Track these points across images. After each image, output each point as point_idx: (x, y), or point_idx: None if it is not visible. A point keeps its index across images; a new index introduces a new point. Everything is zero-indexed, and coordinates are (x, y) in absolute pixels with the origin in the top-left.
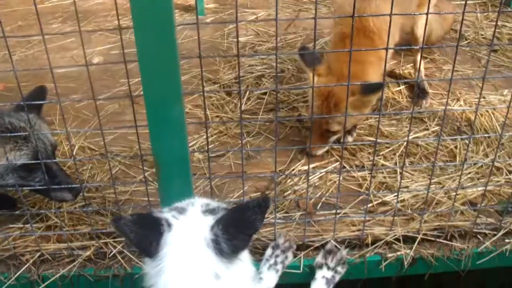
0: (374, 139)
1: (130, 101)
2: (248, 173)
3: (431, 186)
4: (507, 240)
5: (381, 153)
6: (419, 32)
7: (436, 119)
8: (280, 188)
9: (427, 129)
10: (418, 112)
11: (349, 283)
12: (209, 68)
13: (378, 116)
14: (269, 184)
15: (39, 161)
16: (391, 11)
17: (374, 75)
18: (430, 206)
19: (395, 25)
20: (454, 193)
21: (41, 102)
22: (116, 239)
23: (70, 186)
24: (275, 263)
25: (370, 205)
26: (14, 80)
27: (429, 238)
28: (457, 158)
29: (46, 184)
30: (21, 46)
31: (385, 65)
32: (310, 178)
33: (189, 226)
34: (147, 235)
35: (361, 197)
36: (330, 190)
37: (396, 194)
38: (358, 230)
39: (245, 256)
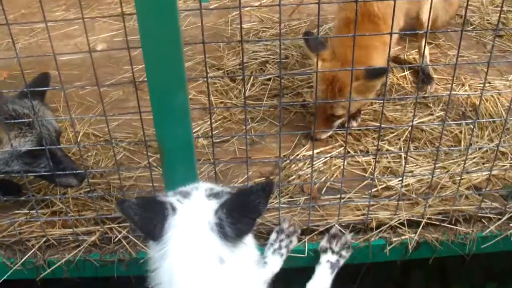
0: (379, 124)
1: (134, 87)
2: (253, 159)
3: (436, 170)
4: (511, 224)
5: (385, 138)
6: (425, 17)
7: (441, 104)
8: (284, 173)
9: (432, 114)
10: (423, 97)
11: (354, 267)
12: (213, 54)
13: (382, 101)
14: (273, 169)
15: (43, 147)
16: None
17: (378, 60)
18: (434, 191)
19: (400, 9)
20: (459, 178)
21: (45, 88)
22: (121, 224)
23: (75, 172)
24: (280, 248)
25: (374, 189)
26: (17, 67)
27: (434, 222)
28: (462, 143)
29: (51, 170)
30: (25, 34)
31: (389, 50)
32: (314, 163)
33: (194, 210)
34: (151, 218)
35: (365, 182)
36: (335, 175)
37: (400, 178)
38: (363, 214)
39: (249, 240)
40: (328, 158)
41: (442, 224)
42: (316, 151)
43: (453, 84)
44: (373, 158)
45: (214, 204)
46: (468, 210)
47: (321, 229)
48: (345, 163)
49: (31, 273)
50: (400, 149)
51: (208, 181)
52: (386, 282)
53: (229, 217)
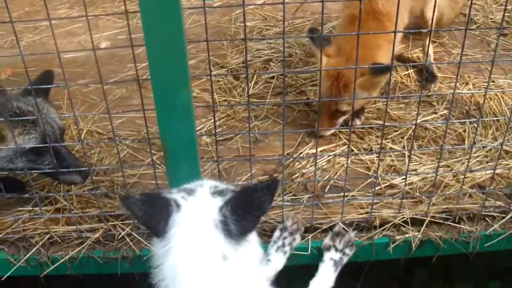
0: (382, 123)
1: (138, 85)
2: (256, 157)
3: (440, 169)
4: None
5: (389, 137)
6: (429, 14)
7: (445, 103)
8: (288, 171)
9: (436, 113)
10: (427, 95)
11: (357, 265)
12: (217, 52)
13: (386, 99)
14: (277, 167)
15: (47, 145)
16: None
17: (383, 58)
18: (438, 189)
19: (404, 7)
20: (463, 176)
21: (49, 86)
22: (124, 222)
23: (79, 169)
24: (283, 245)
25: (378, 188)
26: (21, 65)
27: (437, 220)
28: (466, 141)
29: (55, 167)
30: (29, 32)
31: (393, 49)
32: (318, 161)
33: (198, 207)
34: (155, 214)
35: (369, 180)
36: (338, 173)
37: (404, 177)
38: (366, 212)
39: (253, 238)
40: (332, 156)
41: (446, 222)
42: (319, 149)
43: (457, 83)
44: (376, 157)
45: (219, 201)
46: (471, 208)
47: (325, 227)
48: (349, 161)
49: (35, 270)
50: (403, 147)
51: (212, 179)
52: (389, 280)
53: (234, 215)
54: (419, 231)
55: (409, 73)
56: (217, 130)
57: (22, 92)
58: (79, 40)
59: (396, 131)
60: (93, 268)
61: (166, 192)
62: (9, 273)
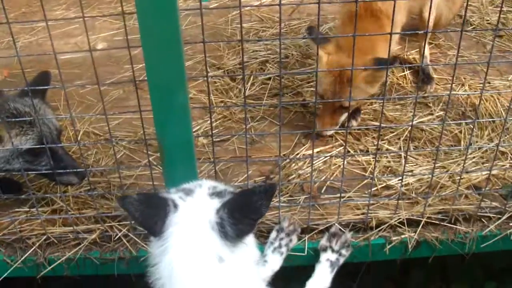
0: (379, 124)
1: (134, 86)
2: (253, 158)
3: (436, 170)
4: (511, 224)
5: (385, 138)
6: (427, 14)
7: (441, 104)
8: (284, 172)
9: (432, 114)
10: (423, 97)
11: (354, 266)
12: (213, 53)
13: (382, 100)
14: (273, 168)
15: (44, 146)
16: None
17: (384, 52)
18: (434, 190)
19: (403, 5)
20: (459, 177)
21: (46, 87)
22: (121, 223)
23: (75, 170)
24: (280, 246)
25: (374, 189)
26: (18, 66)
27: (434, 221)
28: (462, 142)
29: (51, 168)
30: (25, 33)
31: (389, 48)
32: (314, 162)
33: (195, 208)
34: (152, 214)
35: (365, 181)
36: (335, 174)
37: (400, 178)
38: (363, 213)
39: (250, 240)
40: (328, 157)
41: (442, 223)
42: (316, 150)
43: (453, 84)
44: (373, 158)
45: (216, 203)
46: (467, 209)
47: (321, 228)
48: (345, 162)
49: (32, 271)
50: (400, 148)
51: (210, 179)
52: (385, 281)
53: (231, 217)
54: (415, 232)
55: (405, 75)
56: (213, 131)
57: (19, 93)
58: (76, 41)
59: (392, 132)
60: (89, 269)
61: (164, 192)
62: (5, 274)
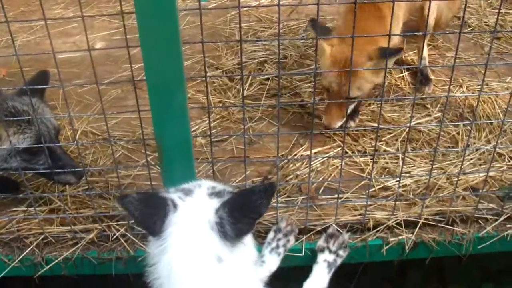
0: (377, 125)
1: (133, 86)
2: (251, 158)
3: (433, 171)
4: (508, 225)
5: (383, 139)
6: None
7: (439, 106)
8: (282, 173)
9: (430, 115)
10: (421, 98)
11: (351, 267)
12: (212, 54)
13: (380, 102)
14: (271, 168)
15: (42, 145)
16: None
17: (387, 41)
18: (431, 191)
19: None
20: (456, 179)
21: (44, 86)
22: (119, 222)
23: (73, 169)
24: (277, 247)
25: (372, 190)
26: (16, 65)
27: (431, 222)
28: (459, 144)
29: (49, 167)
30: (24, 32)
31: (388, 42)
32: (312, 163)
33: (195, 208)
34: (152, 214)
35: (363, 182)
36: (332, 175)
37: (398, 179)
38: (360, 214)
39: (248, 240)
40: (326, 158)
41: (439, 224)
42: (314, 151)
43: (451, 86)
44: (370, 159)
45: (216, 203)
46: (465, 210)
47: (319, 228)
48: (343, 163)
49: (29, 270)
50: (397, 149)
51: (209, 179)
52: (383, 282)
53: (230, 217)
54: (412, 233)
55: (403, 76)
56: (212, 131)
57: (17, 92)
58: (74, 40)
59: (390, 133)
60: (87, 268)
61: (163, 192)
62: (3, 273)
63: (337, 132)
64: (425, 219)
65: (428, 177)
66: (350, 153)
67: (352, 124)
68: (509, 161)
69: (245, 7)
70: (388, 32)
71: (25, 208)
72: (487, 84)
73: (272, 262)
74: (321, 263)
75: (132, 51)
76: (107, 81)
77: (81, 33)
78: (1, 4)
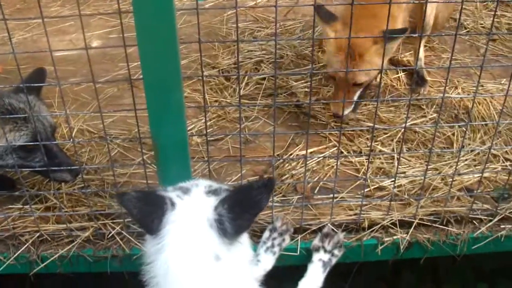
0: (372, 125)
1: (129, 84)
2: (246, 157)
3: (428, 172)
4: (502, 226)
5: (378, 139)
6: (428, 10)
7: (434, 107)
8: (278, 172)
9: (425, 116)
10: (416, 99)
11: (346, 266)
12: (208, 53)
13: (376, 102)
14: (267, 168)
15: (38, 143)
16: None
17: (391, 26)
18: (426, 192)
19: None
20: (451, 179)
21: (41, 84)
22: (114, 220)
23: (70, 167)
24: (272, 246)
25: (367, 190)
26: (12, 62)
27: (425, 223)
28: (454, 145)
29: (45, 165)
30: (20, 29)
31: (383, 55)
32: (307, 162)
33: (193, 206)
34: (150, 212)
35: (358, 182)
36: (328, 175)
37: (393, 179)
38: (355, 214)
39: (245, 239)
40: (322, 158)
41: (434, 224)
42: (309, 150)
43: (447, 87)
44: (366, 159)
45: (213, 200)
46: (459, 211)
47: (314, 228)
48: (338, 163)
49: (24, 268)
50: (393, 150)
51: (205, 178)
52: (377, 282)
53: (231, 213)
54: (407, 233)
55: (399, 77)
56: (208, 130)
57: (14, 89)
58: (70, 38)
59: (386, 133)
60: (82, 266)
61: (161, 190)
62: None
63: (332, 132)
64: (420, 219)
65: (423, 177)
66: (345, 153)
67: (352, 116)
68: (504, 162)
69: (242, 7)
70: (392, 15)
71: (21, 206)
72: (482, 86)
73: (267, 261)
74: (316, 262)
75: (128, 50)
76: (103, 80)
77: (78, 31)
78: None
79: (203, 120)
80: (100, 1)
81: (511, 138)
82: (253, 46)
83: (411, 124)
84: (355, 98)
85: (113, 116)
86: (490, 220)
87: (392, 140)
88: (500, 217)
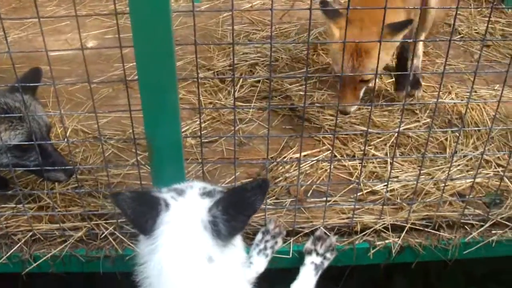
0: (366, 129)
1: (125, 85)
2: (240, 160)
3: (421, 176)
4: (493, 231)
5: (372, 143)
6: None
7: (428, 111)
8: (271, 175)
9: (418, 121)
10: (410, 104)
11: (338, 269)
12: (203, 55)
13: (370, 106)
14: (260, 170)
15: (33, 142)
16: None
17: (395, 18)
18: (419, 196)
19: None
20: (443, 184)
21: (36, 84)
22: (108, 221)
23: (64, 167)
24: (265, 248)
25: (360, 193)
26: (7, 61)
27: (417, 227)
28: (447, 150)
29: (40, 164)
30: (15, 28)
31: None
32: (301, 165)
33: (187, 208)
34: (144, 212)
35: (351, 186)
36: (321, 178)
37: (386, 183)
38: (348, 217)
39: (238, 241)
40: (315, 161)
41: (426, 229)
42: (303, 154)
43: (440, 92)
44: (359, 163)
45: (207, 202)
46: (451, 216)
47: (306, 231)
48: (332, 166)
49: (17, 267)
50: (386, 154)
51: (198, 180)
52: (369, 285)
53: (225, 214)
54: (399, 237)
55: (393, 81)
56: (202, 132)
57: (9, 88)
58: (66, 38)
59: (379, 138)
60: (75, 266)
61: (156, 191)
62: None
63: (326, 135)
64: (412, 223)
65: (415, 182)
66: (339, 156)
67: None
68: (496, 168)
69: (237, 9)
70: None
71: (14, 205)
72: (476, 92)
73: (260, 263)
74: (308, 265)
75: (124, 51)
76: (98, 80)
77: (73, 31)
78: None
79: (198, 122)
80: (96, 1)
81: (503, 144)
82: (248, 48)
83: (405, 129)
84: (362, 93)
85: (107, 116)
86: (482, 226)
87: (386, 145)
88: (491, 222)
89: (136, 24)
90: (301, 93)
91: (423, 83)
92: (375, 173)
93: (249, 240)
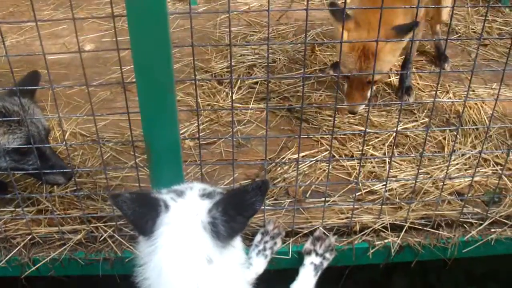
0: (364, 129)
1: (122, 88)
2: (239, 161)
3: (419, 176)
4: (492, 230)
5: (370, 143)
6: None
7: (426, 111)
8: (270, 176)
9: (416, 120)
10: (408, 103)
11: (337, 270)
12: (201, 57)
13: (368, 106)
14: (259, 171)
15: (31, 146)
16: None
17: (402, 20)
18: (417, 196)
19: None
20: (442, 183)
21: (34, 87)
22: (107, 223)
23: (63, 170)
24: (264, 249)
25: (358, 193)
26: (5, 65)
27: (416, 226)
28: (445, 149)
29: (39, 168)
30: (13, 32)
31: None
32: (299, 166)
33: (187, 209)
34: (144, 213)
35: (350, 186)
36: (320, 179)
37: (384, 183)
38: (347, 217)
39: (237, 243)
40: (313, 161)
41: (425, 228)
42: (301, 154)
43: (438, 91)
44: (357, 163)
45: (207, 203)
46: (450, 215)
47: (306, 231)
48: (330, 167)
49: (16, 271)
50: (384, 154)
51: (198, 182)
52: (368, 285)
53: (224, 215)
54: (398, 237)
55: (391, 81)
56: (200, 134)
57: (8, 92)
58: (64, 42)
59: (377, 137)
60: (74, 269)
61: (156, 192)
62: None
63: (324, 136)
64: (411, 223)
65: (414, 181)
66: (337, 157)
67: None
68: (494, 166)
69: (235, 11)
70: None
71: (13, 209)
72: (473, 90)
73: (259, 264)
74: (308, 265)
75: (121, 53)
76: (97, 83)
77: (71, 35)
78: None
79: (196, 124)
80: (93, 5)
81: (501, 142)
82: (246, 50)
83: (403, 128)
84: (369, 94)
85: (106, 119)
86: (481, 224)
87: (384, 144)
88: (490, 221)
89: (133, 27)
90: (299, 94)
91: (420, 82)
92: (374, 173)
93: (248, 241)
